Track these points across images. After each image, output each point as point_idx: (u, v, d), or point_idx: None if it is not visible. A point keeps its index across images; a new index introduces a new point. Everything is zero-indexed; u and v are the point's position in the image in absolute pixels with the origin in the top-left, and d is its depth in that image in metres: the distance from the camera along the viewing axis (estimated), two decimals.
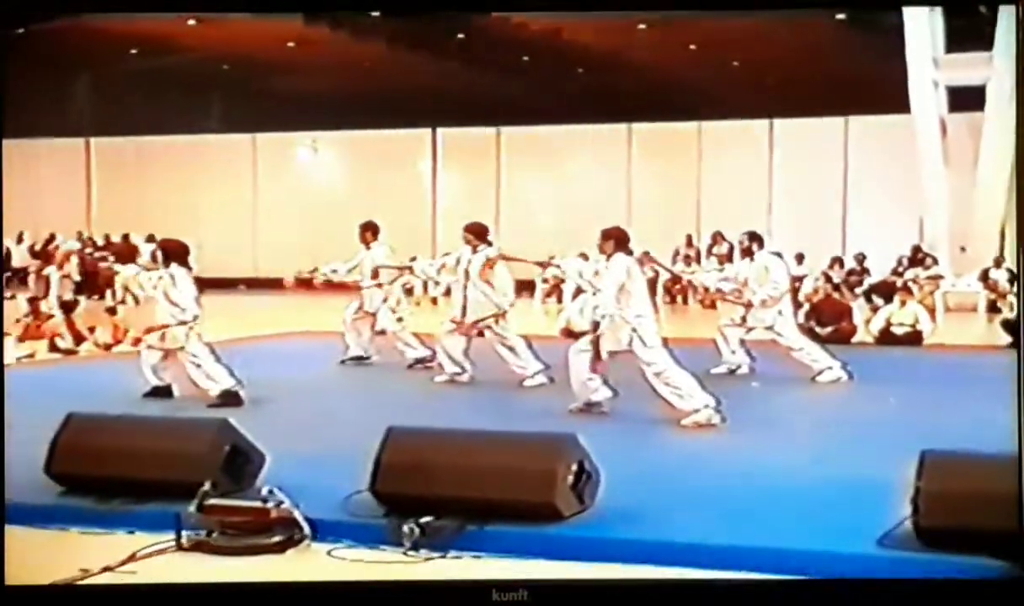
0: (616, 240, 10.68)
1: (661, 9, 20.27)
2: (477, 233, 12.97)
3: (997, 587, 5.48)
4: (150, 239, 12.56)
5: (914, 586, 5.48)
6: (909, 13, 23.17)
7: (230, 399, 11.09)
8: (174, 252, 11.87)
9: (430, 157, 29.50)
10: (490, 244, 13.00)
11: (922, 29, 23.35)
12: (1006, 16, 22.60)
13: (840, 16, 25.66)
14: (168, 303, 11.54)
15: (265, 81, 32.26)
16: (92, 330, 16.14)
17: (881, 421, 10.27)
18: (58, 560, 6.16)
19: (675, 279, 25.53)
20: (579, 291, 17.36)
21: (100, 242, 26.53)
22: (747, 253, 14.12)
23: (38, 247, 27.25)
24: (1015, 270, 6.21)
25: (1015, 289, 5.94)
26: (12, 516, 6.93)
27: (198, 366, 11.42)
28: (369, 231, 14.24)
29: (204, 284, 25.39)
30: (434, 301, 20.18)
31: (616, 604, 5.51)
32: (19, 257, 26.91)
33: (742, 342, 13.70)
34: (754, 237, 14.22)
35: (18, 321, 16.06)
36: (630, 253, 10.71)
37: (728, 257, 26.03)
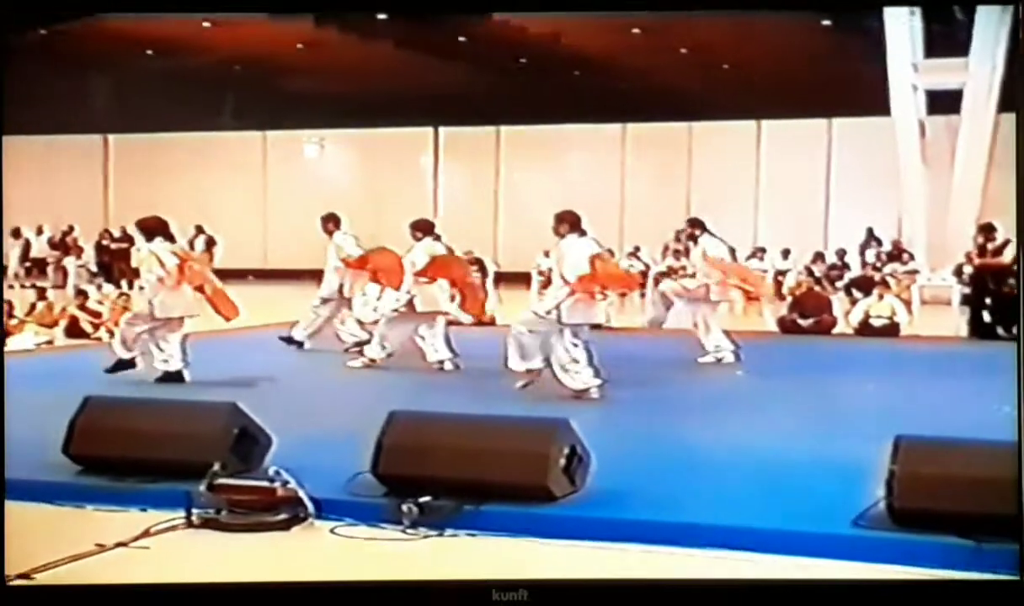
0: (570, 223, 10.79)
1: (651, 9, 20.22)
2: (422, 228, 13.07)
3: (996, 587, 5.46)
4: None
5: (910, 587, 5.44)
6: (890, 20, 23.25)
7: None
8: (154, 228, 11.92)
9: (432, 154, 29.52)
10: (438, 239, 13.05)
11: (902, 35, 23.41)
12: (982, 22, 22.70)
13: (826, 22, 25.72)
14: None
15: (275, 81, 32.28)
16: (99, 316, 16.17)
17: (859, 408, 10.31)
18: (74, 536, 6.18)
19: (667, 271, 25.65)
20: None
21: (117, 234, 26.53)
22: (691, 239, 14.08)
23: (56, 239, 27.29)
24: (1016, 269, 6.19)
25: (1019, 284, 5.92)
26: (31, 494, 6.99)
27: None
28: (331, 222, 14.28)
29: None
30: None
31: (616, 604, 5.44)
32: (39, 248, 26.95)
33: (726, 333, 13.72)
34: (695, 223, 14.17)
35: (33, 308, 16.10)
36: (583, 234, 10.79)
37: None
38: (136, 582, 5.54)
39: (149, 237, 11.81)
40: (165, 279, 11.55)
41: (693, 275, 14.20)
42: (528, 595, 5.30)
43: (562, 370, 10.65)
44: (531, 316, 10.92)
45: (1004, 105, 22.10)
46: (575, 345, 10.66)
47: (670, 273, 25.65)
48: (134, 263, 11.82)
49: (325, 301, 14.20)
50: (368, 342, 13.12)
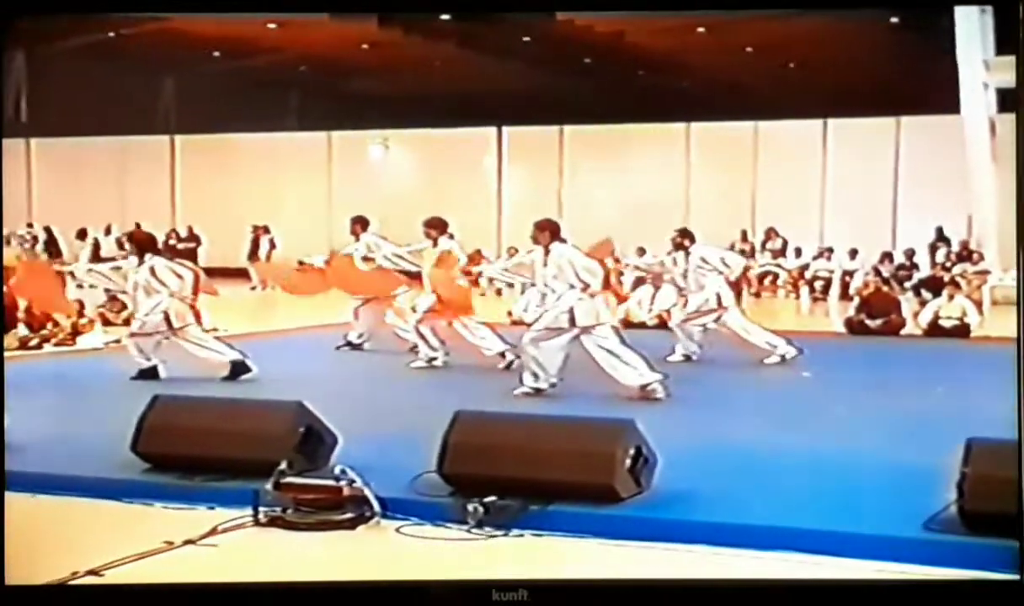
0: (552, 232, 10.85)
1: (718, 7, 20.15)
2: (435, 226, 13.13)
3: (996, 587, 5.37)
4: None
5: (911, 587, 5.35)
6: (960, 17, 22.95)
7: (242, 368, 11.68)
8: (147, 243, 12.31)
9: (496, 154, 29.52)
10: (451, 237, 13.09)
11: (973, 32, 23.11)
12: None
13: (893, 19, 25.47)
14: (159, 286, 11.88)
15: (340, 82, 32.47)
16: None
17: (929, 410, 10.19)
18: (142, 533, 6.24)
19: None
20: (638, 283, 17.36)
21: (184, 234, 26.78)
22: (680, 248, 13.91)
23: (124, 238, 27.51)
24: (1017, 268, 6.07)
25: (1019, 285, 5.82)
26: (100, 491, 7.07)
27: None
28: (359, 224, 14.34)
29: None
30: (499, 292, 20.20)
31: (616, 604, 5.38)
32: (107, 248, 27.21)
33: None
34: (686, 234, 14.04)
35: (101, 307, 16.26)
36: (564, 242, 10.87)
37: (782, 252, 25.98)
38: (190, 581, 5.54)
39: (145, 252, 12.06)
40: (178, 291, 11.90)
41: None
42: (528, 595, 5.25)
43: (613, 368, 10.64)
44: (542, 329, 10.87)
45: None
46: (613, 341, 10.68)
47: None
48: (139, 279, 12.06)
49: (367, 300, 14.25)
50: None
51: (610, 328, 10.82)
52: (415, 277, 13.83)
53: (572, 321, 10.65)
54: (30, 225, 26.07)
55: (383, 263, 14.04)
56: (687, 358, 13.45)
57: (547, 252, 10.80)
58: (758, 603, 5.36)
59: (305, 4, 12.34)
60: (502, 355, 12.59)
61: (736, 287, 14.33)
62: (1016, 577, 5.33)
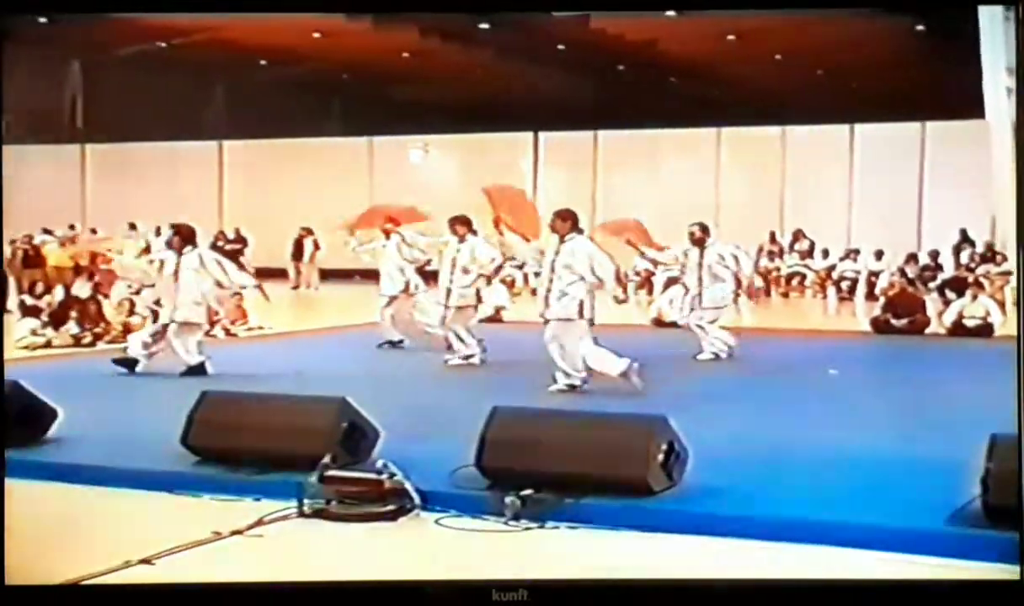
0: (573, 222, 10.82)
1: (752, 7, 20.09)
2: (464, 223, 13.14)
3: (996, 587, 5.29)
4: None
5: (911, 588, 5.27)
6: (984, 24, 22.78)
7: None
8: (191, 235, 12.28)
9: (532, 158, 29.52)
10: (475, 234, 13.11)
11: (997, 39, 22.92)
12: None
13: (919, 27, 25.33)
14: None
15: (381, 89, 32.56)
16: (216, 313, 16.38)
17: (953, 407, 10.12)
18: (192, 524, 6.27)
19: (761, 271, 25.43)
20: (670, 283, 17.32)
21: (231, 235, 26.88)
22: (698, 243, 13.83)
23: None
24: (1016, 268, 5.98)
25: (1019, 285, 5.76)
26: (151, 483, 7.11)
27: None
28: (391, 221, 14.35)
29: (324, 274, 25.76)
30: (534, 292, 20.15)
31: (615, 604, 5.30)
32: (156, 248, 27.30)
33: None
34: (704, 229, 13.97)
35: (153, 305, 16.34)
36: (581, 233, 10.86)
37: (809, 253, 25.88)
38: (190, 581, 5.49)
39: (189, 244, 12.08)
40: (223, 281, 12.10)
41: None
42: (528, 595, 5.16)
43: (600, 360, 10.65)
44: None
45: None
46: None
47: (764, 274, 25.55)
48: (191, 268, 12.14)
49: (392, 299, 14.26)
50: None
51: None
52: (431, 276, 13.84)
53: (580, 312, 10.63)
54: (72, 226, 26.14)
55: (409, 255, 14.11)
56: (716, 357, 13.37)
57: (562, 241, 10.76)
58: (757, 602, 5.27)
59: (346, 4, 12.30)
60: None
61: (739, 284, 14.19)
62: (1016, 577, 5.27)
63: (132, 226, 26.18)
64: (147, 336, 12.20)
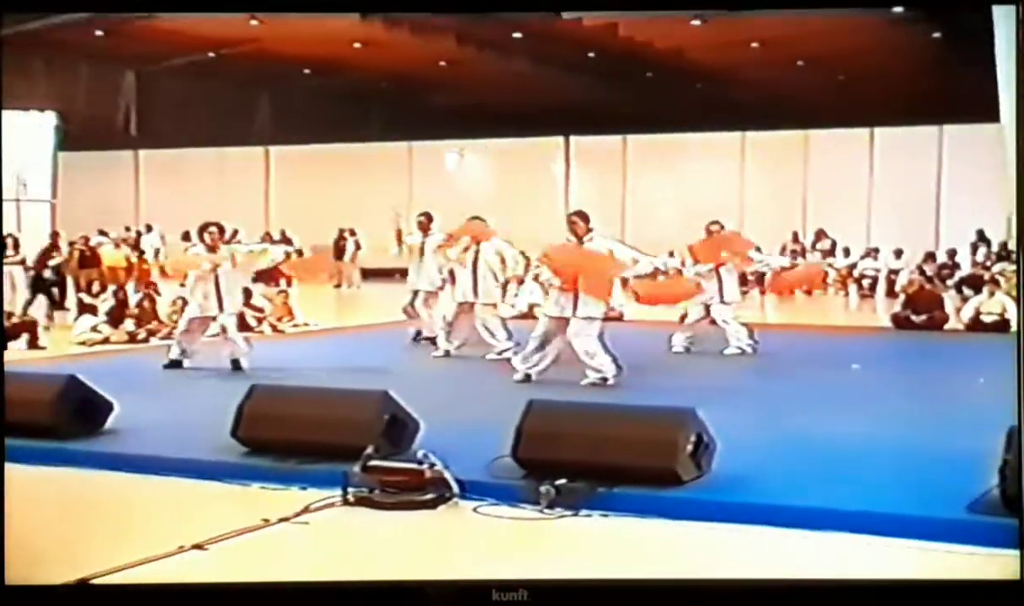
0: (587, 222, 10.83)
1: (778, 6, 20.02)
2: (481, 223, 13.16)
3: (996, 587, 5.21)
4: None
5: (911, 588, 5.18)
6: (1000, 31, 22.57)
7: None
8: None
9: (563, 162, 29.51)
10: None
11: (1011, 44, 22.74)
12: None
13: (936, 34, 25.17)
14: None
15: (420, 96, 32.63)
16: (262, 311, 16.47)
17: (971, 400, 10.04)
18: (241, 511, 6.29)
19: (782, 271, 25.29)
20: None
21: (276, 236, 26.96)
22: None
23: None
24: (1017, 268, 5.89)
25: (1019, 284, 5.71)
26: (202, 472, 7.14)
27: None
28: (428, 218, 14.26)
29: (366, 273, 25.78)
30: None
31: (616, 604, 5.18)
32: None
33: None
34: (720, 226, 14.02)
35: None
36: (592, 230, 10.86)
37: (831, 252, 25.75)
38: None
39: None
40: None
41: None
42: (528, 595, 5.03)
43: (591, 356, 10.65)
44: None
45: None
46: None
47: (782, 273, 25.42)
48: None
49: (429, 295, 14.19)
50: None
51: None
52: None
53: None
54: (128, 228, 26.31)
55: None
56: (742, 352, 13.31)
57: (581, 242, 10.77)
58: (756, 603, 5.20)
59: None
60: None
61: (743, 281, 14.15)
62: (1016, 577, 5.19)
63: (185, 236, 26.25)
64: (182, 335, 12.21)
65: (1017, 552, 5.27)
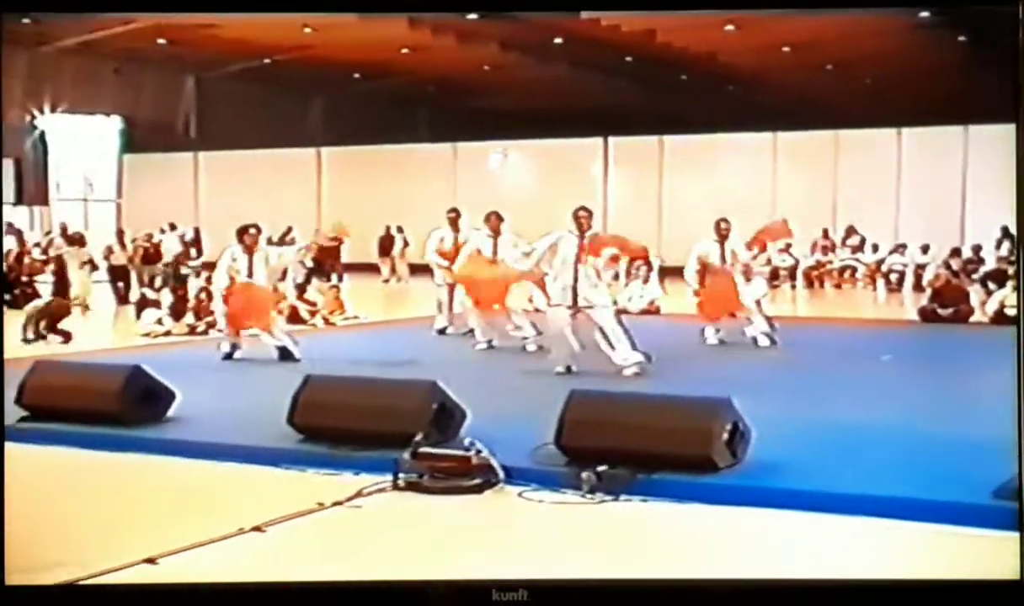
0: (591, 217, 10.91)
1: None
2: (499, 218, 13.00)
3: (996, 587, 5.12)
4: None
5: (911, 588, 5.09)
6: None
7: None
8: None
9: (602, 162, 29.44)
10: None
11: None
12: None
13: (961, 37, 24.94)
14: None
15: (464, 99, 32.70)
16: (315, 304, 16.57)
17: (997, 390, 9.92)
18: (297, 496, 6.32)
19: (816, 265, 25.20)
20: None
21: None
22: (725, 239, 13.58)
23: (275, 238, 27.82)
24: (1017, 267, 5.79)
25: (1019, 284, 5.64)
26: (260, 458, 7.18)
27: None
28: (455, 212, 14.25)
29: (414, 269, 25.74)
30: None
31: (616, 604, 5.06)
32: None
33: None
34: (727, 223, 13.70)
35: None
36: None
37: (860, 247, 25.58)
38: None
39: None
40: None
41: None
42: (528, 595, 4.90)
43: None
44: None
45: None
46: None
47: (818, 267, 25.32)
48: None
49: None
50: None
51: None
52: None
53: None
54: (173, 226, 26.17)
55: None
56: (772, 342, 13.16)
57: (583, 236, 10.71)
58: (756, 603, 5.13)
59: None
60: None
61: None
62: (1016, 577, 5.11)
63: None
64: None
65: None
